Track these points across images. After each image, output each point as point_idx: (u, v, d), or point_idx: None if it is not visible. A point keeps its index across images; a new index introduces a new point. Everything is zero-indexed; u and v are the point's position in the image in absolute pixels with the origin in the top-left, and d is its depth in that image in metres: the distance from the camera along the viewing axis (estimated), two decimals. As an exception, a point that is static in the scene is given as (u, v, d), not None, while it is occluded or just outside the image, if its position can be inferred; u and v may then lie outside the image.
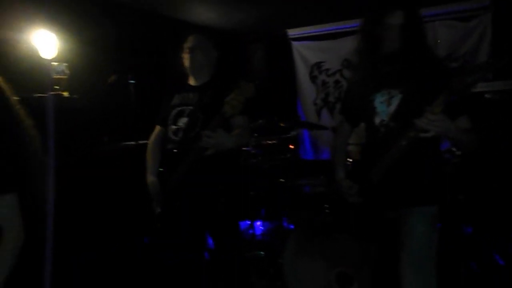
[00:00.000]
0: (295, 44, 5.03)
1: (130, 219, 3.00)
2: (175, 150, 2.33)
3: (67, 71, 3.07)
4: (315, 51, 4.95)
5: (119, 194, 3.06)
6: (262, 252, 3.48)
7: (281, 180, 3.89)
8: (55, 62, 3.06)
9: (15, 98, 1.61)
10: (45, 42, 3.03)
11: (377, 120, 1.96)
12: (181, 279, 2.32)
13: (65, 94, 3.07)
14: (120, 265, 2.90)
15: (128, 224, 3.00)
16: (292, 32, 4.99)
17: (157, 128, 2.57)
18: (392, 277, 1.92)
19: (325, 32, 4.83)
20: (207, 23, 4.54)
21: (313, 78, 5.01)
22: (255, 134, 3.86)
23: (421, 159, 1.88)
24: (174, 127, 2.38)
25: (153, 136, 2.57)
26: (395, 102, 1.91)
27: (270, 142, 3.99)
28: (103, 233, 2.96)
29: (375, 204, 1.98)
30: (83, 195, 2.93)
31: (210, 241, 2.44)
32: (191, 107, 2.37)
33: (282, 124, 3.80)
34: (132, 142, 2.94)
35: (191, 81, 2.50)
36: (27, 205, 1.54)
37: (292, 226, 3.75)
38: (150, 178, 2.43)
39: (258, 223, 4.01)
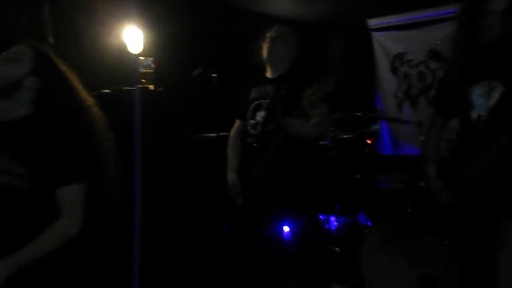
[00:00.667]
0: (375, 34, 4.84)
1: (210, 209, 3.08)
2: (254, 144, 2.35)
3: (153, 65, 3.22)
4: (397, 42, 4.74)
5: (200, 184, 3.15)
6: (337, 248, 3.42)
7: (358, 175, 3.80)
8: (142, 56, 3.22)
9: (87, 91, 1.65)
10: (132, 38, 3.19)
11: (474, 115, 1.82)
12: (261, 269, 2.35)
13: (151, 87, 3.22)
14: (200, 254, 3.00)
15: (209, 213, 3.08)
16: (373, 22, 4.81)
17: (237, 122, 2.60)
18: (483, 285, 1.79)
19: (408, 22, 4.59)
20: (287, 15, 4.52)
21: (394, 70, 4.81)
22: (333, 128, 3.79)
23: None
24: (252, 121, 2.40)
25: (233, 131, 2.61)
26: (496, 95, 1.76)
27: (347, 136, 3.91)
28: (184, 223, 3.07)
29: (470, 205, 1.85)
30: (165, 185, 3.05)
31: (289, 233, 2.45)
32: (268, 100, 2.37)
33: (362, 118, 3.70)
34: (213, 134, 3.01)
35: (268, 73, 2.50)
36: (93, 197, 1.56)
37: (369, 223, 3.65)
38: (231, 175, 2.48)
39: (333, 218, 3.95)
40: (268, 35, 2.46)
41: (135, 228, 1.93)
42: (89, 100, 1.63)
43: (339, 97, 2.23)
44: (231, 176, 2.48)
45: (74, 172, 1.51)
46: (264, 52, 2.46)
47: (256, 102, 2.43)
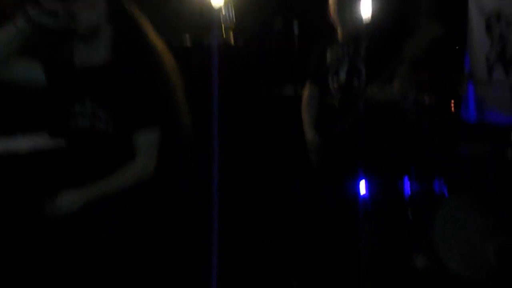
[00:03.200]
0: (471, -13, 4.44)
1: (284, 165, 3.11)
2: (335, 105, 2.31)
3: (233, 19, 3.20)
4: (495, -2, 4.32)
5: (278, 142, 3.16)
6: (409, 215, 3.35)
7: (437, 139, 3.63)
8: (223, 10, 3.21)
9: (160, 42, 1.66)
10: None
11: None
12: (337, 230, 2.39)
13: (231, 40, 3.22)
14: (273, 210, 3.07)
15: (282, 169, 3.11)
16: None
17: (309, 87, 2.54)
18: None
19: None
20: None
21: (488, 29, 4.42)
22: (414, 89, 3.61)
23: None
24: (334, 82, 2.34)
25: (306, 95, 2.56)
26: None
27: (428, 98, 3.72)
28: (258, 179, 3.13)
29: None
30: (241, 141, 3.09)
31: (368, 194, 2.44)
32: (349, 60, 2.30)
33: (446, 79, 3.48)
34: (292, 92, 2.98)
35: (343, 34, 2.37)
36: (167, 142, 1.62)
37: (445, 191, 3.52)
38: (310, 133, 2.45)
39: (406, 183, 3.85)
40: None
41: (213, 183, 2.02)
42: (165, 51, 1.66)
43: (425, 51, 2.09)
44: (310, 133, 2.44)
45: (150, 118, 1.57)
46: (334, 14, 2.34)
47: (336, 63, 2.35)
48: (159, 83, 1.59)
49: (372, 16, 2.34)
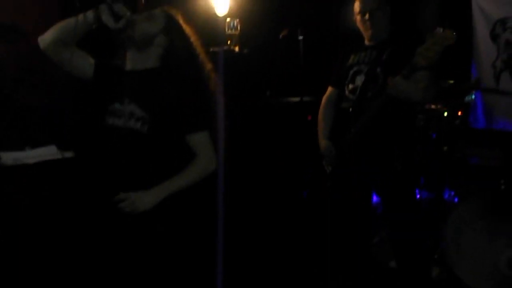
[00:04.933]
0: (475, -4, 4.44)
1: (290, 173, 3.09)
2: (350, 109, 2.28)
3: (238, 27, 3.21)
4: (500, 5, 4.30)
5: (281, 148, 3.15)
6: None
7: (445, 147, 3.59)
8: (228, 18, 3.22)
9: (203, 51, 1.81)
10: (219, 0, 3.20)
11: None
12: (348, 238, 2.35)
13: (236, 49, 3.22)
14: (279, 219, 3.03)
15: (289, 178, 3.09)
16: (473, -17, 4.41)
17: (330, 89, 2.53)
18: None
19: (515, -18, 4.16)
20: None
21: (494, 37, 4.39)
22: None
23: None
24: (351, 86, 2.33)
25: (325, 98, 2.54)
26: None
27: (436, 106, 3.69)
28: (264, 186, 3.11)
29: None
30: (245, 147, 3.09)
31: (381, 203, 2.41)
32: (368, 66, 2.29)
33: (455, 87, 3.46)
34: (297, 98, 2.97)
35: (367, 41, 2.40)
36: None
37: (456, 199, 3.46)
38: (323, 141, 2.43)
39: (416, 191, 3.80)
40: (358, 6, 2.36)
41: (218, 189, 2.00)
42: (206, 59, 1.80)
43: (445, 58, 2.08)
44: (324, 142, 2.43)
45: (204, 120, 1.74)
46: (361, 25, 2.38)
47: (355, 68, 2.36)
48: (205, 87, 1.76)
49: (394, 24, 2.38)
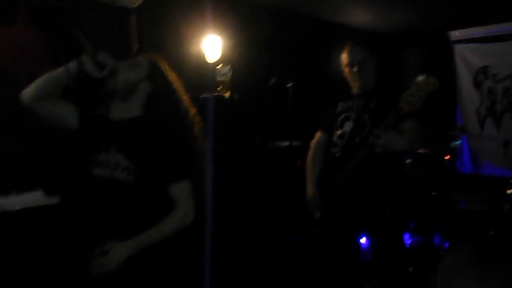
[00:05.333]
0: (458, 46, 4.62)
1: (279, 218, 3.07)
2: (337, 154, 2.31)
3: (229, 73, 3.28)
4: (481, 55, 4.49)
5: (269, 192, 3.14)
6: (410, 268, 3.26)
7: (433, 192, 3.61)
8: (219, 64, 3.29)
9: (186, 97, 1.77)
10: (211, 46, 3.28)
11: None
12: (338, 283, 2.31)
13: (226, 94, 3.28)
14: (268, 264, 2.98)
15: (277, 223, 3.07)
16: (455, 34, 4.60)
17: (319, 134, 2.57)
18: None
19: (493, 34, 4.35)
20: (362, 26, 4.44)
21: (477, 84, 4.55)
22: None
23: None
24: (340, 131, 2.36)
25: (314, 143, 2.57)
26: None
27: (423, 150, 3.74)
28: (253, 231, 3.08)
29: None
30: (235, 191, 3.08)
31: (369, 247, 2.38)
32: (356, 113, 2.34)
33: (441, 134, 3.53)
34: (286, 143, 3.00)
35: (355, 89, 2.46)
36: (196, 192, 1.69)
37: (446, 245, 3.44)
38: (310, 189, 2.45)
39: (406, 236, 3.78)
40: (346, 58, 2.43)
41: (205, 233, 1.97)
42: (191, 105, 1.77)
43: (431, 106, 2.13)
44: (310, 189, 2.45)
45: (184, 170, 1.67)
46: (348, 76, 2.44)
47: (344, 115, 2.40)
48: (188, 134, 1.71)
49: (381, 73, 2.45)
